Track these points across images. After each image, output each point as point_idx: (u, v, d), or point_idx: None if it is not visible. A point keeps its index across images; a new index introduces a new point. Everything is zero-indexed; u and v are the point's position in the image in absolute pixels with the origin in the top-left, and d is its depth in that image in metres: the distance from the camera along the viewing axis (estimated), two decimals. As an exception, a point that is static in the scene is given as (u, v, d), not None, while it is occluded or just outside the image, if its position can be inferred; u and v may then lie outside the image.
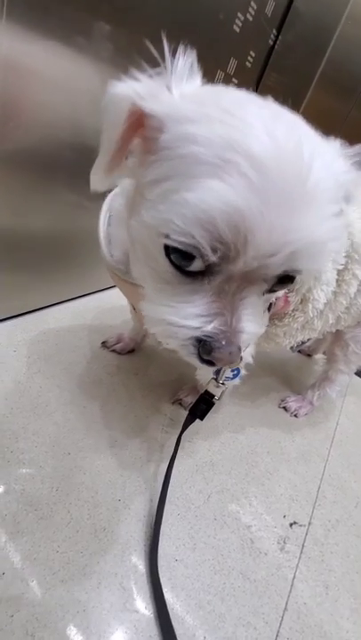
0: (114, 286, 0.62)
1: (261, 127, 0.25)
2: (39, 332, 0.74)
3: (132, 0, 0.57)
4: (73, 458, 0.54)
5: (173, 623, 0.41)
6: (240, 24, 0.78)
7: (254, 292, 0.31)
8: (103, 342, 0.77)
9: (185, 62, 0.29)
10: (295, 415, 0.78)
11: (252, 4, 0.78)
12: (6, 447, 0.52)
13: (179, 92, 0.28)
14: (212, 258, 0.27)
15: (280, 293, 0.51)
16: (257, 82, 0.94)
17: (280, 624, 0.46)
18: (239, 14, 0.76)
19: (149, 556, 0.45)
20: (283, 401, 0.81)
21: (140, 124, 0.30)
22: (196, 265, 0.29)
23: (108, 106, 0.29)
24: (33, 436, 0.55)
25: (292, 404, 0.79)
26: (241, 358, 0.33)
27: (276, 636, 0.45)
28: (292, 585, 0.50)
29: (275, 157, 0.25)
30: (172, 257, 0.29)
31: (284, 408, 0.79)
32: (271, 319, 0.57)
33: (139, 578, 0.44)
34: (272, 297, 0.39)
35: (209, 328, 0.30)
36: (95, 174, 0.34)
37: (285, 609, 0.47)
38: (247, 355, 0.56)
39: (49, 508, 0.47)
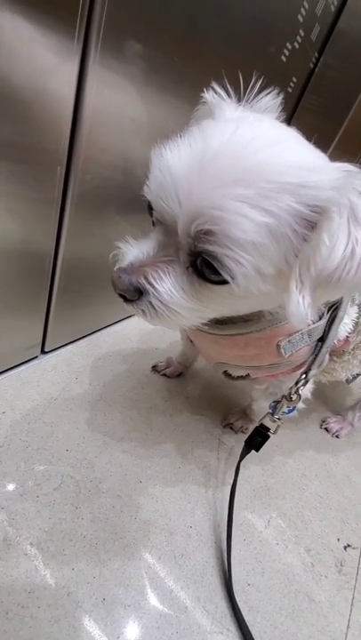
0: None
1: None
2: (95, 358, 0.78)
3: (198, 39, 0.57)
4: (144, 486, 0.58)
5: (253, 643, 0.46)
6: (287, 53, 0.78)
7: (180, 262, 0.34)
8: (154, 366, 0.81)
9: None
10: (337, 436, 0.82)
11: (300, 31, 0.78)
12: (85, 477, 0.56)
13: None
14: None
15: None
16: (295, 104, 0.95)
17: (344, 642, 0.50)
18: (287, 44, 0.77)
19: (226, 581, 0.50)
20: (324, 422, 0.84)
21: None
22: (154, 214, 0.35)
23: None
24: (107, 465, 0.59)
25: (334, 425, 0.83)
26: (156, 307, 0.34)
27: (342, 653, 0.49)
28: (351, 604, 0.54)
29: (209, 136, 0.30)
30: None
31: (326, 429, 0.83)
32: (330, 355, 0.60)
33: (218, 602, 0.49)
34: (194, 283, 0.34)
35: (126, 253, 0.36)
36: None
37: (348, 626, 0.52)
38: (306, 391, 0.60)
39: (131, 535, 0.52)
